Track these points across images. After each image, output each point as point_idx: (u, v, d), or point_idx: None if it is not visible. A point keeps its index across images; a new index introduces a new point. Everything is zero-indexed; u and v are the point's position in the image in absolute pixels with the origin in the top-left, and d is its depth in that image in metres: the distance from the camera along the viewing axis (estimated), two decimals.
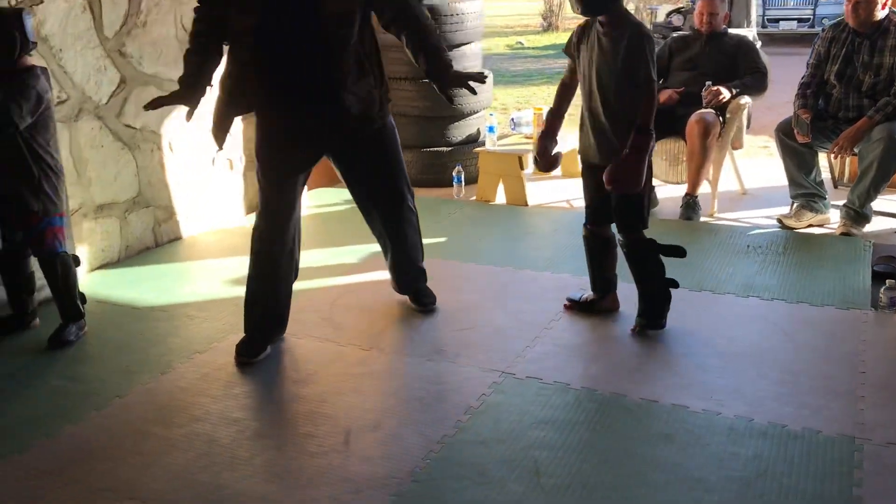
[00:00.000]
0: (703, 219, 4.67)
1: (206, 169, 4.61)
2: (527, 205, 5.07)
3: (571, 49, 3.22)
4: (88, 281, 3.82)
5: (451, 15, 5.35)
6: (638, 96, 2.99)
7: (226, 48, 3.03)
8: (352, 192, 3.33)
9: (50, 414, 2.69)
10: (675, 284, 3.24)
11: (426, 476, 2.34)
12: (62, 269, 3.09)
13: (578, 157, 3.37)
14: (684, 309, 3.44)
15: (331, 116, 3.03)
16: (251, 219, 4.83)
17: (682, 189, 4.76)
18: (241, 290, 3.68)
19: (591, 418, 2.65)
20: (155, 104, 2.99)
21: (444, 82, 3.06)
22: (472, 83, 3.05)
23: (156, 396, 2.82)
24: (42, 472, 2.36)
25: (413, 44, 3.07)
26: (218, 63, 3.09)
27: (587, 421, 2.63)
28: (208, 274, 3.95)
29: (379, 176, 3.25)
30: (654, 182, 5.00)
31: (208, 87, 3.06)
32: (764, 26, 13.18)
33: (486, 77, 2.98)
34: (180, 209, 4.48)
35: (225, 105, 3.01)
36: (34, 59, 3.44)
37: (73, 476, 2.34)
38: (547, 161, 3.29)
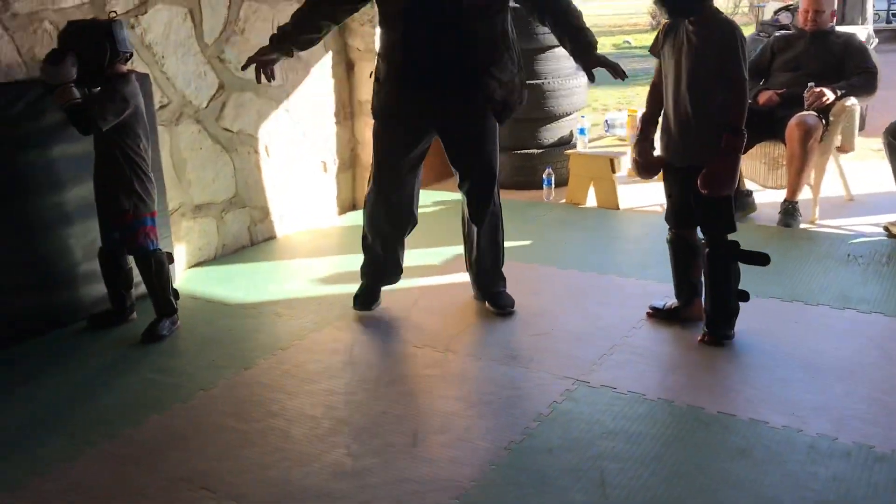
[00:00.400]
0: (802, 225, 4.47)
1: (300, 171, 4.75)
2: (618, 208, 4.99)
3: (658, 49, 3.15)
4: (185, 277, 4.01)
5: None
6: (729, 96, 2.93)
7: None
8: (452, 165, 3.46)
9: (139, 404, 2.83)
10: (746, 297, 3.11)
11: (489, 481, 2.34)
12: (155, 267, 3.25)
13: (659, 153, 3.27)
14: (772, 320, 3.31)
15: (465, 99, 3.24)
16: (343, 219, 4.97)
17: (781, 194, 4.57)
18: (327, 289, 3.81)
19: (664, 430, 2.58)
20: (247, 64, 3.29)
21: (588, 61, 3.20)
22: (613, 70, 3.17)
23: (237, 390, 2.93)
24: (126, 459, 2.50)
25: (559, 27, 3.25)
26: (313, 38, 3.33)
27: (660, 433, 2.56)
28: (298, 273, 4.07)
29: (478, 153, 3.36)
30: (753, 187, 4.85)
31: (288, 56, 3.35)
32: (889, 21, 12.47)
33: (625, 73, 3.19)
34: (275, 210, 4.64)
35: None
36: (138, 65, 3.66)
37: (153, 464, 2.46)
38: (647, 164, 3.24)
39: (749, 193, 4.77)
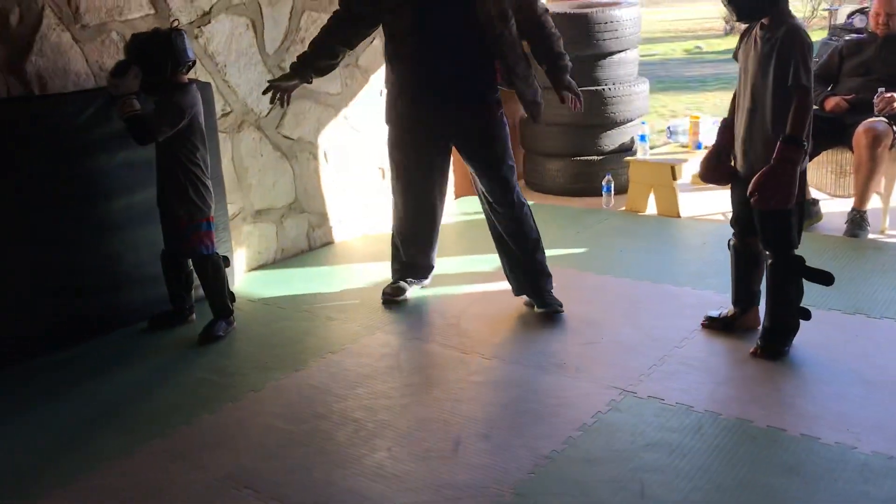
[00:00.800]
0: (871, 236, 4.31)
1: (358, 177, 4.82)
2: (678, 216, 4.90)
3: (738, 54, 3.09)
4: (244, 280, 4.10)
5: (607, 23, 5.26)
6: (790, 105, 2.80)
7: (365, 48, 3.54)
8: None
9: (192, 402, 2.92)
10: (808, 316, 3.01)
11: (528, 490, 2.33)
12: (211, 270, 3.34)
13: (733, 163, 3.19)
14: (832, 333, 3.20)
15: (473, 109, 3.42)
16: None
17: (848, 203, 4.42)
18: (379, 295, 3.84)
19: (710, 443, 2.52)
20: (267, 90, 3.45)
21: (560, 83, 3.39)
22: (576, 97, 3.45)
23: (286, 392, 2.99)
24: (176, 456, 2.58)
25: (539, 50, 3.40)
26: (330, 64, 3.50)
27: (706, 446, 2.51)
28: (353, 278, 4.12)
29: (486, 161, 3.48)
30: (820, 195, 4.70)
31: (307, 82, 3.52)
32: None
33: (581, 106, 3.49)
34: (333, 215, 4.71)
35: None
36: (200, 74, 3.77)
37: (201, 462, 2.54)
38: (708, 172, 3.18)
39: (815, 202, 4.63)
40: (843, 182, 4.55)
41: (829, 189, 4.65)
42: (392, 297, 3.72)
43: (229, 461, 2.54)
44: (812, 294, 3.15)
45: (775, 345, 3.04)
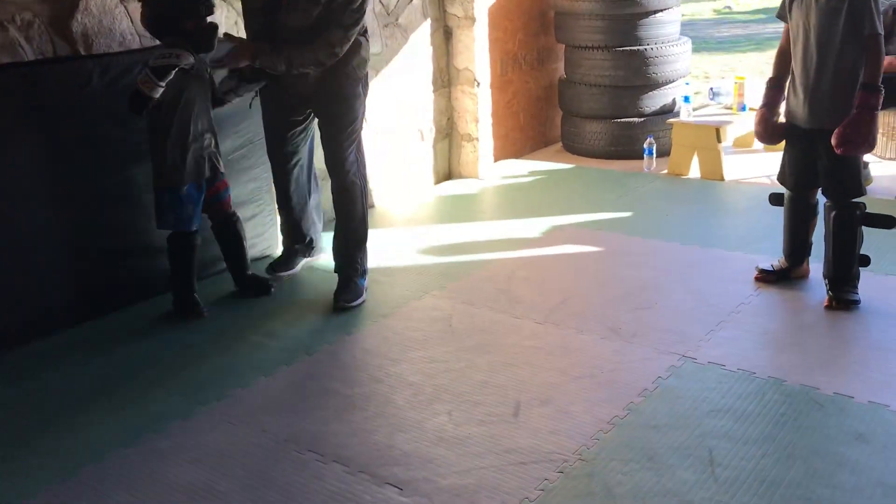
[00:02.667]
0: None
1: (397, 140, 4.76)
2: (723, 179, 4.82)
3: (785, 12, 3.13)
4: None
5: None
6: (863, 53, 2.90)
7: None
8: None
9: (247, 366, 2.91)
10: (867, 262, 3.08)
11: (593, 455, 2.31)
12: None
13: (783, 120, 3.19)
14: (893, 298, 3.15)
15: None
16: (439, 189, 4.97)
17: None
18: (425, 259, 3.82)
19: (776, 410, 2.49)
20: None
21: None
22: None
23: (340, 356, 2.97)
24: (236, 419, 2.57)
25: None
26: None
27: (771, 413, 2.47)
28: (397, 241, 4.09)
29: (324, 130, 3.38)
30: (869, 158, 4.60)
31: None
32: None
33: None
34: (373, 178, 4.66)
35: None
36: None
37: (262, 425, 2.53)
38: (769, 132, 3.22)
39: (865, 165, 4.52)
40: (893, 144, 4.45)
41: (879, 151, 4.55)
42: (274, 270, 3.62)
43: (290, 424, 2.53)
44: (874, 259, 3.11)
45: (847, 294, 3.07)
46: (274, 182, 3.63)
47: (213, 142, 3.24)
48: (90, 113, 3.13)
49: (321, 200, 3.77)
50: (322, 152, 3.41)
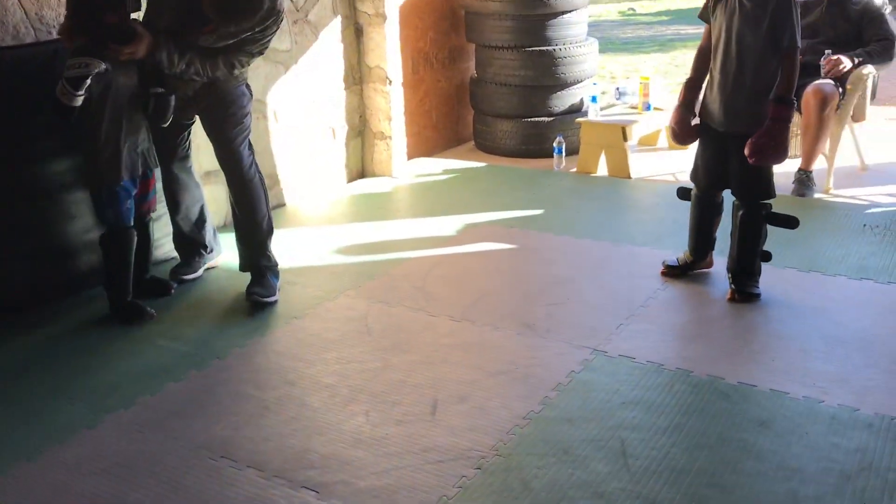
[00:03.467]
0: (817, 195, 4.43)
1: (309, 137, 4.70)
2: (629, 177, 4.94)
3: (708, 14, 3.17)
4: None
5: None
6: (781, 63, 2.96)
7: None
8: None
9: (154, 371, 2.81)
10: (769, 257, 3.22)
11: (510, 451, 2.33)
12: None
13: (697, 120, 3.27)
14: (791, 290, 3.29)
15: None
16: (352, 187, 4.93)
17: (795, 164, 4.53)
18: (339, 258, 3.78)
19: (685, 401, 2.57)
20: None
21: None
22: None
23: (253, 358, 2.91)
24: (144, 426, 2.49)
25: None
26: None
27: (680, 403, 2.55)
28: (309, 241, 4.04)
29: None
30: None
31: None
32: None
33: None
34: (284, 177, 4.59)
35: None
36: None
37: (172, 431, 2.45)
38: (686, 133, 3.27)
39: None
40: (790, 143, 4.64)
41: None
42: (177, 274, 3.53)
43: (201, 430, 2.46)
44: (772, 254, 3.25)
45: (748, 287, 3.19)
46: (165, 191, 3.48)
47: (147, 136, 3.14)
48: None
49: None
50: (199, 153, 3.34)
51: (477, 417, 2.50)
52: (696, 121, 3.24)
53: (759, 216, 3.13)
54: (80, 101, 2.86)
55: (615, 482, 2.19)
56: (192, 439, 2.42)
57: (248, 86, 3.33)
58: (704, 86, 3.22)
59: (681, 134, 3.26)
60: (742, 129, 3.02)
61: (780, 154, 2.99)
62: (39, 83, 3.09)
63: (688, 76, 3.28)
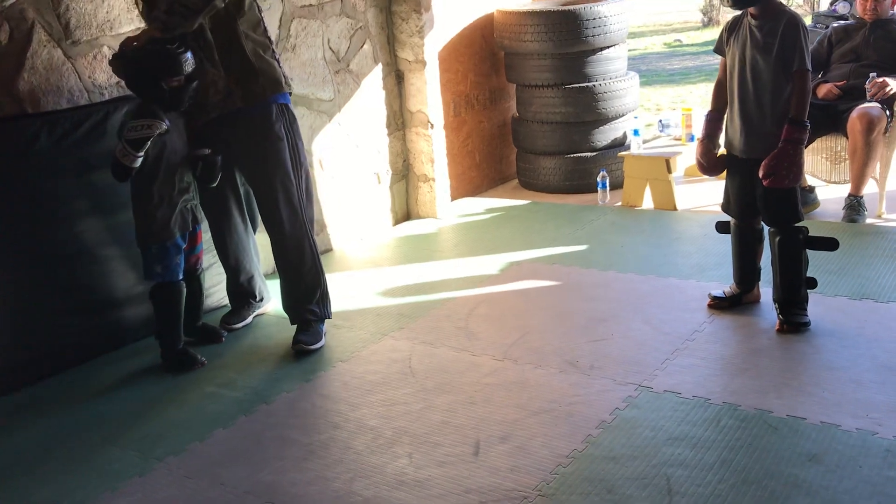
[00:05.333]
0: (868, 220, 4.33)
1: (354, 183, 4.79)
2: (675, 209, 4.90)
3: (723, 46, 3.25)
4: None
5: (593, 19, 5.26)
6: (792, 85, 2.99)
7: None
8: None
9: (204, 418, 2.87)
10: (814, 284, 3.17)
11: (553, 490, 2.31)
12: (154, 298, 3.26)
13: (724, 150, 3.29)
14: (842, 319, 3.21)
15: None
16: (398, 230, 4.99)
17: (845, 189, 4.44)
18: (383, 301, 3.83)
19: (731, 436, 2.52)
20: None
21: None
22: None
23: (299, 403, 2.95)
24: (193, 473, 2.54)
25: None
26: None
27: (727, 438, 2.50)
28: (355, 285, 4.09)
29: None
30: (815, 182, 4.73)
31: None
32: None
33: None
34: (331, 222, 4.68)
35: None
36: None
37: (219, 478, 2.50)
38: (712, 164, 3.30)
39: (812, 189, 4.65)
40: (838, 168, 4.57)
41: (824, 176, 4.66)
42: (226, 323, 3.60)
43: (247, 476, 2.51)
44: (820, 282, 3.19)
45: (796, 317, 3.14)
46: (214, 241, 3.57)
47: (195, 193, 3.25)
48: (38, 171, 3.12)
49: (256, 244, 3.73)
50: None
51: (519, 457, 2.49)
52: (721, 151, 3.26)
53: (796, 241, 3.10)
54: (139, 161, 2.98)
55: None
56: (238, 485, 2.46)
57: (281, 106, 3.27)
58: (725, 117, 3.23)
59: (707, 166, 3.29)
60: (762, 155, 3.04)
61: (794, 175, 2.99)
62: (90, 144, 3.24)
63: (708, 109, 3.32)
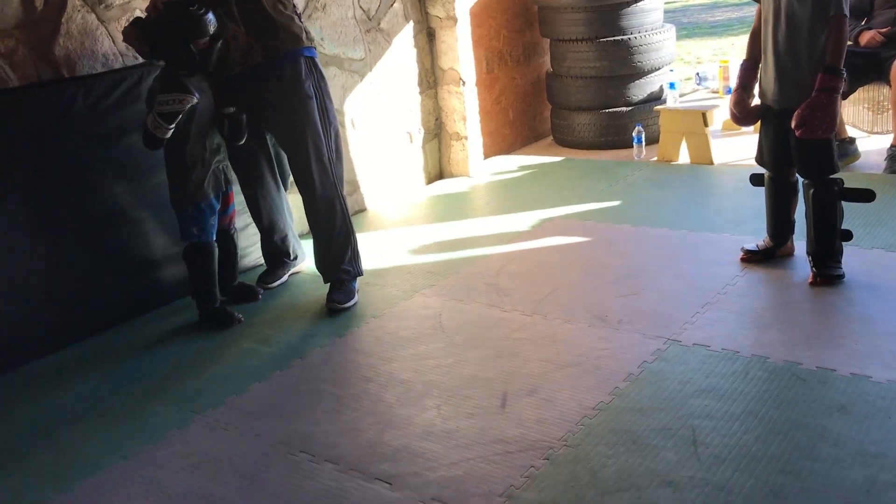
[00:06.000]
0: None
1: (386, 143, 4.81)
2: (712, 163, 4.84)
3: None
4: None
5: None
6: (828, 32, 2.92)
7: None
8: None
9: (242, 373, 2.96)
10: (850, 236, 3.11)
11: (578, 441, 2.35)
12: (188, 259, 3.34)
13: (758, 100, 3.23)
14: (878, 271, 3.17)
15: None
16: (431, 189, 5.01)
17: (887, 140, 4.34)
18: (416, 258, 3.87)
19: (759, 387, 2.52)
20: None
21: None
22: None
23: (332, 358, 3.02)
24: (229, 425, 2.62)
25: None
26: None
27: (755, 390, 2.50)
28: (388, 243, 4.14)
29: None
30: (856, 133, 4.62)
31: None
32: None
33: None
34: (364, 182, 4.72)
35: None
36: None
37: (255, 429, 2.58)
38: (745, 114, 3.25)
39: (852, 141, 4.54)
40: (880, 118, 4.46)
41: (866, 126, 4.56)
42: (262, 282, 3.68)
43: (282, 427, 2.58)
44: (855, 233, 3.14)
45: (830, 269, 3.10)
46: (248, 202, 3.63)
47: (226, 154, 3.31)
48: (75, 135, 3.20)
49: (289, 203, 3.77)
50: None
51: (546, 409, 2.53)
52: (756, 101, 3.20)
53: (831, 193, 3.05)
54: (171, 132, 3.04)
55: (684, 470, 2.18)
56: (273, 436, 2.54)
57: (309, 61, 3.28)
58: (760, 66, 3.16)
59: (740, 116, 3.23)
60: (797, 105, 2.97)
61: (828, 126, 2.91)
62: (126, 107, 3.31)
63: (743, 58, 3.25)
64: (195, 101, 3.03)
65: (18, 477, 2.45)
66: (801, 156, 3.08)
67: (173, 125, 3.02)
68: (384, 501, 2.19)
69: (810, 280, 3.12)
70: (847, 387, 2.46)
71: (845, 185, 3.10)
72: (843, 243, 3.13)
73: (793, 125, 2.96)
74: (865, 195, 3.08)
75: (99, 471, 2.43)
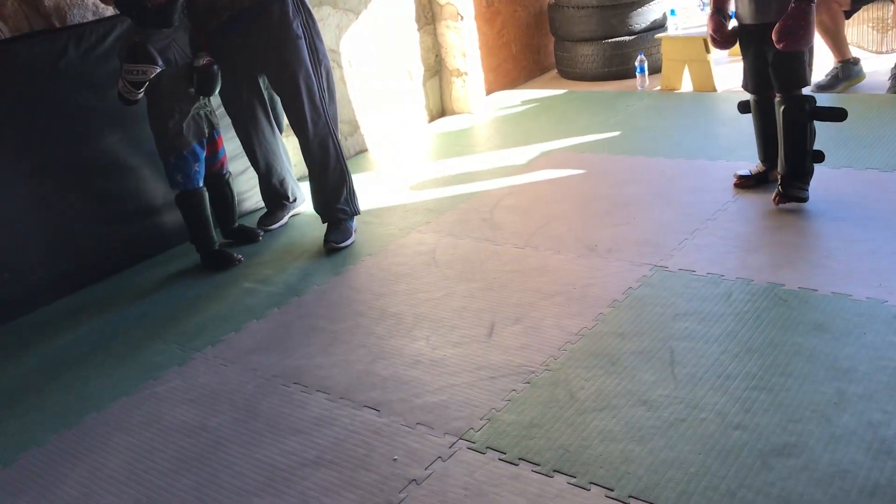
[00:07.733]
0: None
1: (386, 82, 4.81)
2: (715, 90, 4.79)
3: None
4: None
5: None
6: None
7: None
8: None
9: (239, 311, 3.05)
10: (821, 158, 3.09)
11: (559, 365, 2.41)
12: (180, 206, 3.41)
13: (735, 23, 3.20)
14: (870, 192, 3.16)
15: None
16: (433, 127, 5.02)
17: (892, 59, 4.26)
18: (413, 196, 3.91)
19: (741, 309, 2.55)
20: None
21: None
22: None
23: (327, 294, 3.10)
24: (227, 361, 2.73)
25: None
26: None
27: (735, 312, 2.54)
28: (387, 182, 4.18)
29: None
30: (861, 53, 4.53)
31: None
32: None
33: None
34: (364, 123, 4.74)
35: None
36: None
37: (252, 364, 2.68)
38: (724, 38, 3.23)
39: (857, 61, 4.46)
40: (885, 38, 4.37)
41: (871, 46, 4.47)
42: (262, 224, 3.76)
43: (277, 361, 2.68)
44: (848, 154, 3.12)
45: (795, 190, 3.10)
46: (244, 146, 3.67)
47: (206, 100, 3.33)
48: (68, 84, 3.25)
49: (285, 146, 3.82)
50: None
51: (530, 336, 2.59)
52: (733, 24, 3.17)
53: (801, 110, 3.02)
54: (141, 95, 3.10)
55: (660, 389, 2.24)
56: (268, 370, 2.64)
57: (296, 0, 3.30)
58: None
59: (720, 40, 3.20)
60: (774, 19, 2.95)
61: (806, 37, 2.90)
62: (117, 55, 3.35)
63: None
64: (158, 69, 3.06)
65: (32, 414, 2.58)
66: (778, 70, 3.05)
67: (141, 91, 3.08)
68: (372, 426, 2.28)
69: (774, 198, 3.12)
70: (826, 306, 2.49)
71: (817, 104, 3.06)
72: (816, 165, 3.10)
73: (774, 38, 2.93)
74: (837, 114, 3.04)
75: (102, 407, 2.55)
